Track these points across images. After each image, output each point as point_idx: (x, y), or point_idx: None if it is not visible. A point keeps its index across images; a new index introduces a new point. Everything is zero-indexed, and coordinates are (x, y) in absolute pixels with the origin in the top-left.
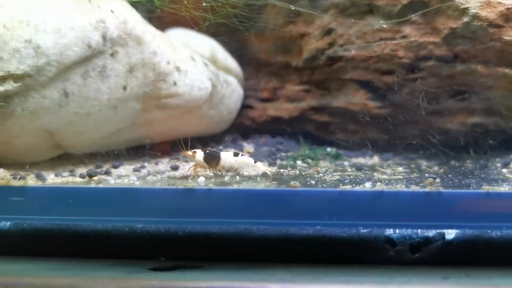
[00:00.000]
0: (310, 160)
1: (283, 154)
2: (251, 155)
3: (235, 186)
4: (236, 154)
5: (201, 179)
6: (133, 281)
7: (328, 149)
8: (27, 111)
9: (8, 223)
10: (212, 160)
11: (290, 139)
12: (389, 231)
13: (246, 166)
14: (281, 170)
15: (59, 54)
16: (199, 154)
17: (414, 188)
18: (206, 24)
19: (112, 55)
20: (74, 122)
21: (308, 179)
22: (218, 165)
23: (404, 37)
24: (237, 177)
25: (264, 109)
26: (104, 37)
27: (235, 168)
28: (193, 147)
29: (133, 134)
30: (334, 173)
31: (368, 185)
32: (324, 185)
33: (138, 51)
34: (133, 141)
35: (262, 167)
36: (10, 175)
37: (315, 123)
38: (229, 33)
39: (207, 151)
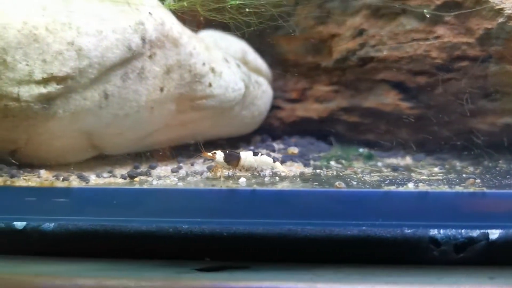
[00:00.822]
0: (343, 161)
1: (314, 154)
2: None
3: (279, 187)
4: (255, 154)
5: (242, 179)
6: (184, 281)
7: (360, 150)
8: (69, 112)
9: (52, 224)
10: (232, 160)
11: (320, 139)
12: (433, 232)
13: (265, 165)
14: (317, 171)
15: (100, 56)
16: (219, 154)
17: (457, 188)
18: (234, 25)
19: (150, 57)
20: (113, 123)
21: (348, 179)
22: (238, 164)
23: (437, 37)
24: (277, 177)
25: (292, 109)
26: (143, 39)
27: (255, 167)
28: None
29: (167, 135)
30: (372, 174)
31: (411, 186)
32: (367, 186)
33: (175, 52)
34: (166, 142)
35: (281, 167)
36: (53, 176)
37: (345, 123)
38: (257, 34)
39: (227, 152)
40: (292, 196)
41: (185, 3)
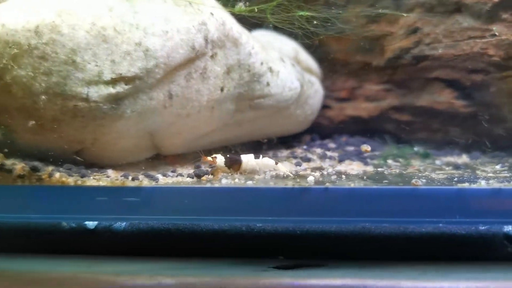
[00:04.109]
0: (400, 159)
1: (369, 153)
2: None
3: (351, 185)
4: (256, 157)
5: (310, 178)
6: (263, 279)
7: (416, 148)
8: (136, 112)
9: (123, 224)
10: (233, 164)
11: (370, 138)
12: (507, 228)
13: (267, 168)
14: (378, 169)
15: (166, 57)
16: (220, 159)
17: None
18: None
19: (212, 56)
20: (175, 123)
21: (415, 178)
22: (240, 168)
23: (494, 35)
24: (343, 176)
25: (341, 108)
26: (206, 39)
27: (257, 170)
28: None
29: (224, 135)
30: (436, 172)
31: (483, 183)
32: (438, 184)
33: (235, 52)
34: (222, 142)
35: (283, 168)
36: (121, 176)
37: (396, 122)
38: (307, 33)
39: (228, 156)
40: (367, 194)
41: (255, 8)
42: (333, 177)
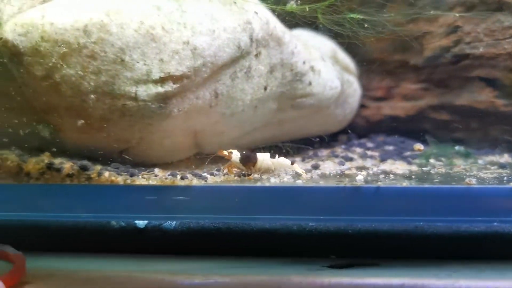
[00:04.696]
0: (442, 159)
1: (408, 152)
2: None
3: (404, 184)
4: (272, 156)
5: (360, 177)
6: (320, 278)
7: (456, 148)
8: (183, 111)
9: (173, 223)
10: (248, 161)
11: (408, 137)
12: None
13: (283, 168)
14: (423, 169)
15: (213, 55)
16: (235, 154)
17: None
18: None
19: (256, 55)
20: (219, 122)
21: (463, 177)
22: (255, 166)
23: None
24: (391, 175)
25: (378, 108)
26: (251, 38)
27: (272, 169)
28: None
29: (264, 134)
30: (483, 171)
31: None
32: (489, 183)
33: (278, 51)
34: (263, 141)
35: (298, 168)
36: (168, 175)
37: (434, 121)
38: (343, 33)
39: (244, 152)
40: (420, 193)
41: (306, 8)
42: (381, 176)
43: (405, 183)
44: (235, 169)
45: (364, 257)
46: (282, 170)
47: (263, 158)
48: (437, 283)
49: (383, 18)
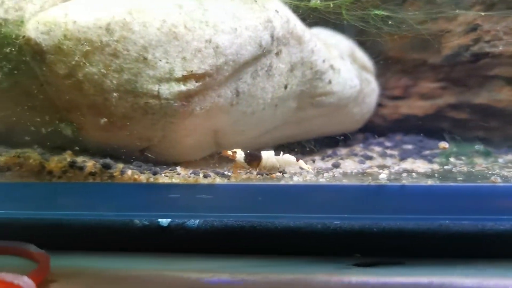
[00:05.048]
0: (463, 157)
1: (428, 151)
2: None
3: (429, 183)
4: (277, 154)
5: (383, 175)
6: (348, 276)
7: (476, 146)
8: (204, 110)
9: (197, 221)
10: (253, 160)
11: (426, 136)
12: None
13: (288, 165)
14: (445, 167)
15: (235, 54)
16: (240, 154)
17: None
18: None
19: (277, 54)
20: (240, 121)
21: (488, 175)
22: (260, 165)
23: None
24: (413, 174)
25: (395, 107)
26: (272, 36)
27: (277, 167)
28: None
29: (283, 133)
30: (506, 170)
31: None
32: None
33: (298, 50)
34: (282, 139)
35: (305, 165)
36: (190, 173)
37: (452, 120)
38: (360, 31)
39: (248, 151)
40: (446, 191)
41: (331, 4)
42: (404, 175)
43: (430, 182)
44: (240, 169)
45: (388, 255)
46: (288, 167)
47: (267, 156)
48: (465, 281)
49: (407, 15)
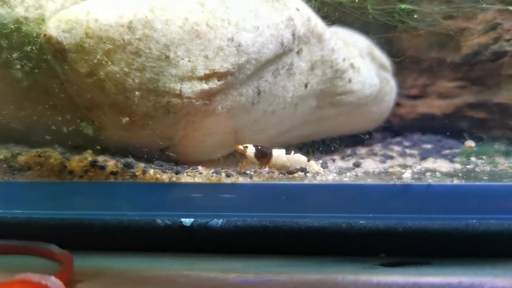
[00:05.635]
0: (484, 157)
1: (447, 151)
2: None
3: (455, 181)
4: (287, 153)
5: (407, 174)
6: (377, 277)
7: (496, 146)
8: (226, 109)
9: (220, 221)
10: (263, 157)
11: (444, 136)
12: None
13: (298, 164)
14: (467, 167)
15: (257, 52)
16: (250, 149)
17: None
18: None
19: (298, 52)
20: (260, 120)
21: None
22: (269, 162)
23: None
24: (437, 173)
25: (413, 106)
26: (293, 35)
27: (287, 166)
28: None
29: (303, 132)
30: None
31: None
32: None
33: (319, 48)
34: (300, 139)
35: (315, 166)
36: (212, 172)
37: (471, 119)
38: (377, 29)
39: (259, 147)
40: (473, 190)
41: None
42: (427, 174)
43: (456, 181)
44: (250, 164)
45: (414, 255)
46: (298, 167)
47: (278, 154)
48: (494, 281)
49: (433, 10)
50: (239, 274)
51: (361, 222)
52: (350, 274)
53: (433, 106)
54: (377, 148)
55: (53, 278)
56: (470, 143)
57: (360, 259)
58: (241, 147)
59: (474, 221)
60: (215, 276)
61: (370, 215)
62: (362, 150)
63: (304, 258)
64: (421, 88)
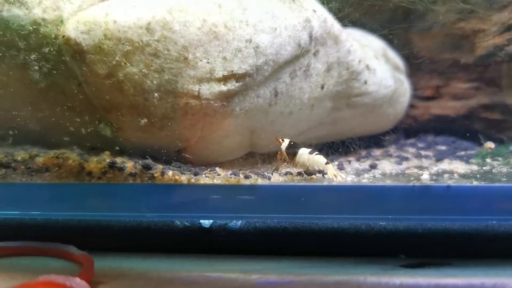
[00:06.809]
0: (499, 158)
1: (462, 152)
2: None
3: (474, 183)
4: (311, 152)
5: (425, 176)
6: (399, 278)
7: (511, 147)
8: (243, 110)
9: (239, 223)
10: (292, 151)
11: (458, 137)
12: None
13: (316, 165)
14: (484, 168)
15: (275, 54)
16: (285, 143)
17: None
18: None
19: (314, 54)
20: (277, 121)
21: None
22: (294, 158)
23: None
24: (455, 174)
25: (426, 107)
26: (310, 36)
27: (306, 166)
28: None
29: (318, 133)
30: None
31: None
32: None
33: (335, 50)
34: (316, 140)
35: (331, 169)
36: (230, 174)
37: (485, 121)
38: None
39: (292, 143)
40: (493, 191)
41: None
42: (445, 176)
43: (475, 182)
44: (283, 157)
45: (435, 256)
46: (316, 168)
47: (301, 152)
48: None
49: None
50: (261, 275)
51: (380, 223)
52: (372, 276)
53: (447, 107)
54: (392, 149)
55: (77, 280)
56: (490, 145)
57: (380, 261)
58: (279, 139)
59: (494, 222)
60: (237, 277)
61: (390, 217)
62: (377, 152)
63: (324, 260)
64: (435, 89)
